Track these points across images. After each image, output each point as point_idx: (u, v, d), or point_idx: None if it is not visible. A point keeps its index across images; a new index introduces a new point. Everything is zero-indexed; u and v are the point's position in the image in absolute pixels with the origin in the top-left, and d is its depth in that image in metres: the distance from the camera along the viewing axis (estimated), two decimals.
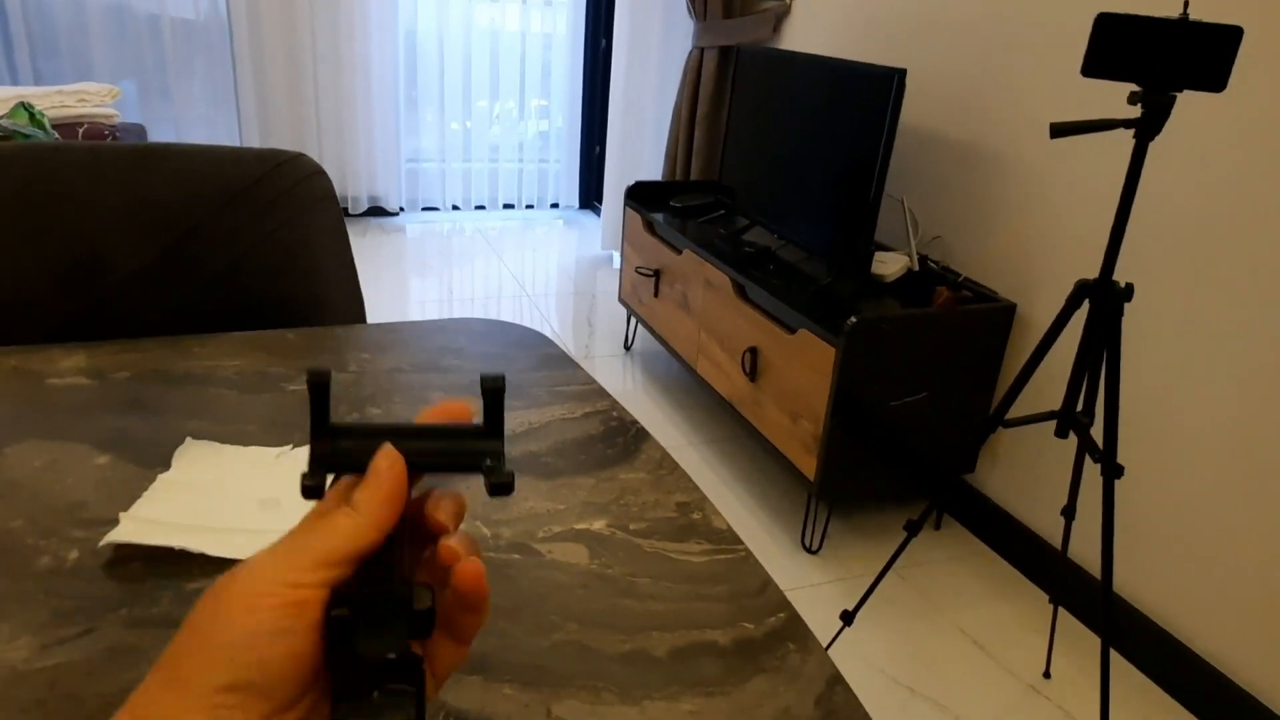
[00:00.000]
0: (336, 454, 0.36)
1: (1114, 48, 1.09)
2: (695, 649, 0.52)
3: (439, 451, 0.37)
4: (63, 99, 3.08)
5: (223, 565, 0.49)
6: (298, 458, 0.60)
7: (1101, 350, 1.22)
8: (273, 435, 0.71)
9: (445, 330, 0.95)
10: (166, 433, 0.71)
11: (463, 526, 0.62)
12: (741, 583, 0.59)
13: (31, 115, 2.00)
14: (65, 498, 0.62)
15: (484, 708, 0.47)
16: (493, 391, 0.37)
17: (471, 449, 0.37)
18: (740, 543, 0.63)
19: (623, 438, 0.76)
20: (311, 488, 0.35)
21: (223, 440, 0.69)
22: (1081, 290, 1.21)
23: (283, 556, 0.33)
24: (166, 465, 0.66)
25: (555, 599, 0.55)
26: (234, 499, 0.57)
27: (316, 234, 1.09)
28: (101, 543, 0.53)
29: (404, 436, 0.36)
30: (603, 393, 0.83)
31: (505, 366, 0.87)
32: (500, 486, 0.36)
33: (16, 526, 0.58)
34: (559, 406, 0.80)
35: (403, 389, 0.81)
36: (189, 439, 0.66)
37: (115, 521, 0.59)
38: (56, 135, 2.68)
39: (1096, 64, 1.10)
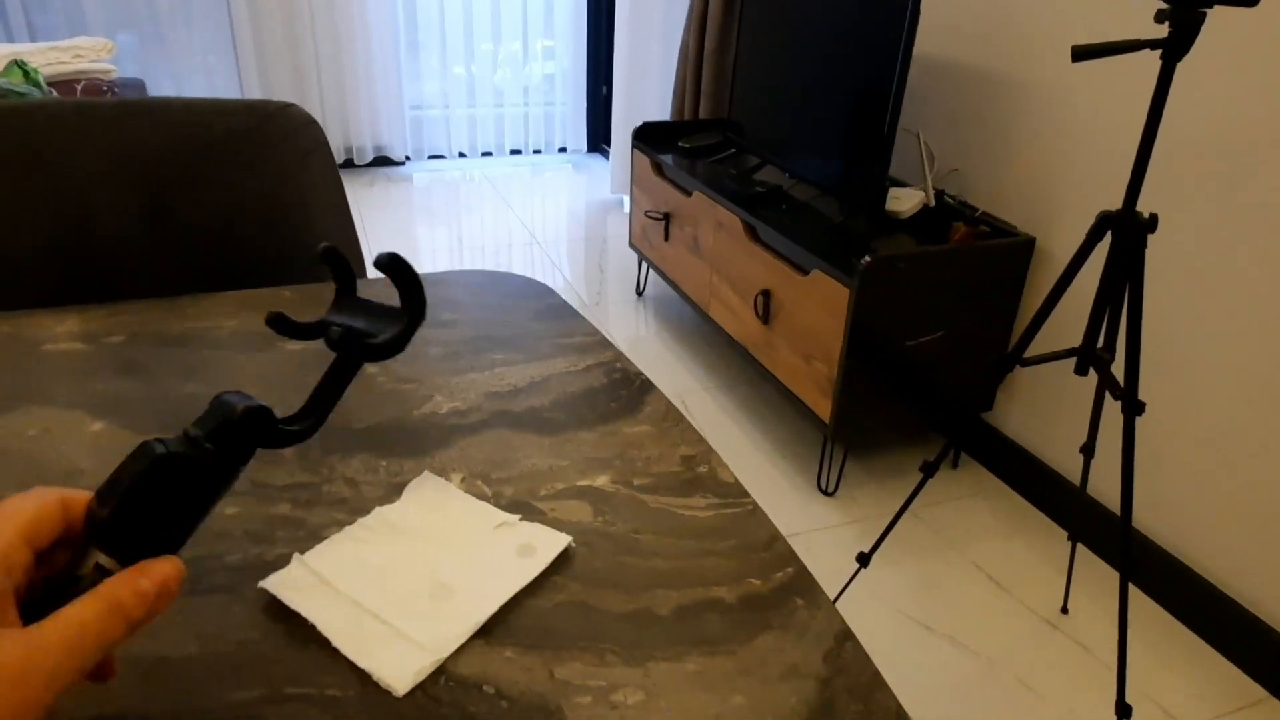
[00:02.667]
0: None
1: None
2: (700, 606, 0.51)
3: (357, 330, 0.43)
4: (58, 55, 3.03)
5: (334, 655, 0.47)
6: (514, 535, 0.55)
7: (1124, 284, 1.18)
8: (272, 395, 0.69)
9: (443, 283, 0.93)
10: (161, 397, 0.69)
11: (466, 487, 0.61)
12: (749, 537, 0.57)
13: (26, 73, 1.96)
14: (60, 466, 0.61)
15: (485, 671, 0.46)
16: (393, 267, 0.42)
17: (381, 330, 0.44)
18: (747, 495, 0.61)
19: (626, 390, 0.74)
20: (283, 322, 0.44)
21: None
22: (1104, 222, 1.16)
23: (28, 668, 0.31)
24: (165, 430, 0.65)
25: (559, 559, 0.54)
26: (415, 570, 0.52)
27: (309, 186, 1.07)
28: (260, 584, 0.50)
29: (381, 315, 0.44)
30: (606, 344, 0.81)
31: (507, 318, 0.85)
32: (333, 339, 0.43)
33: (8, 495, 0.57)
34: (561, 359, 0.78)
35: None
36: (427, 472, 0.61)
37: None
38: (53, 93, 2.64)
39: None
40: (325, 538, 0.55)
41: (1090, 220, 1.19)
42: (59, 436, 0.64)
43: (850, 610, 1.63)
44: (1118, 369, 1.22)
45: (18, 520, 0.33)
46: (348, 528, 0.55)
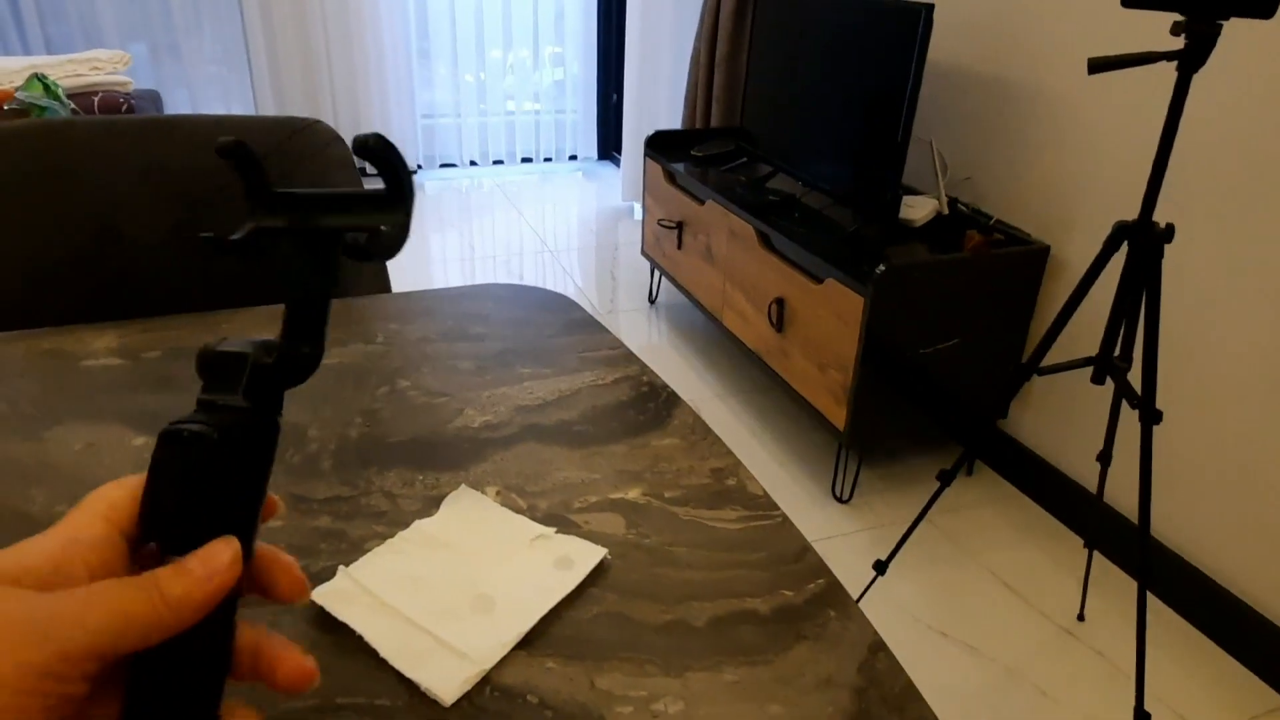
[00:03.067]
0: (259, 230, 0.36)
1: None
2: (735, 618, 0.52)
3: (343, 220, 0.36)
4: (75, 67, 3.06)
5: (382, 665, 0.48)
6: (551, 548, 0.57)
7: (1140, 293, 1.18)
8: (305, 412, 0.71)
9: (469, 297, 0.95)
10: None
11: (501, 500, 0.62)
12: (780, 549, 0.58)
13: (46, 86, 1.99)
14: (106, 480, 0.62)
15: (528, 681, 0.47)
16: (374, 150, 0.34)
17: (374, 215, 0.36)
18: (776, 508, 0.62)
19: (654, 403, 0.75)
20: (216, 239, 0.36)
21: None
22: (1120, 232, 1.17)
23: (48, 629, 0.27)
24: None
25: (595, 570, 0.55)
26: (457, 582, 0.53)
27: None
28: (310, 595, 0.50)
29: (316, 204, 0.36)
30: (632, 357, 0.83)
31: (533, 331, 0.87)
32: (358, 250, 0.35)
33: (61, 511, 0.59)
34: (589, 373, 0.79)
35: (431, 359, 0.80)
36: (464, 486, 0.63)
37: None
38: (72, 105, 2.68)
39: None
40: (367, 550, 0.56)
41: (1105, 228, 1.19)
42: (104, 451, 0.65)
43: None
44: (1134, 378, 1.23)
45: (96, 502, 0.33)
46: (389, 540, 0.57)
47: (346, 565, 0.54)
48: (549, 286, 3.10)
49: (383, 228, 0.35)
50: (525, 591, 0.53)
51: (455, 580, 0.54)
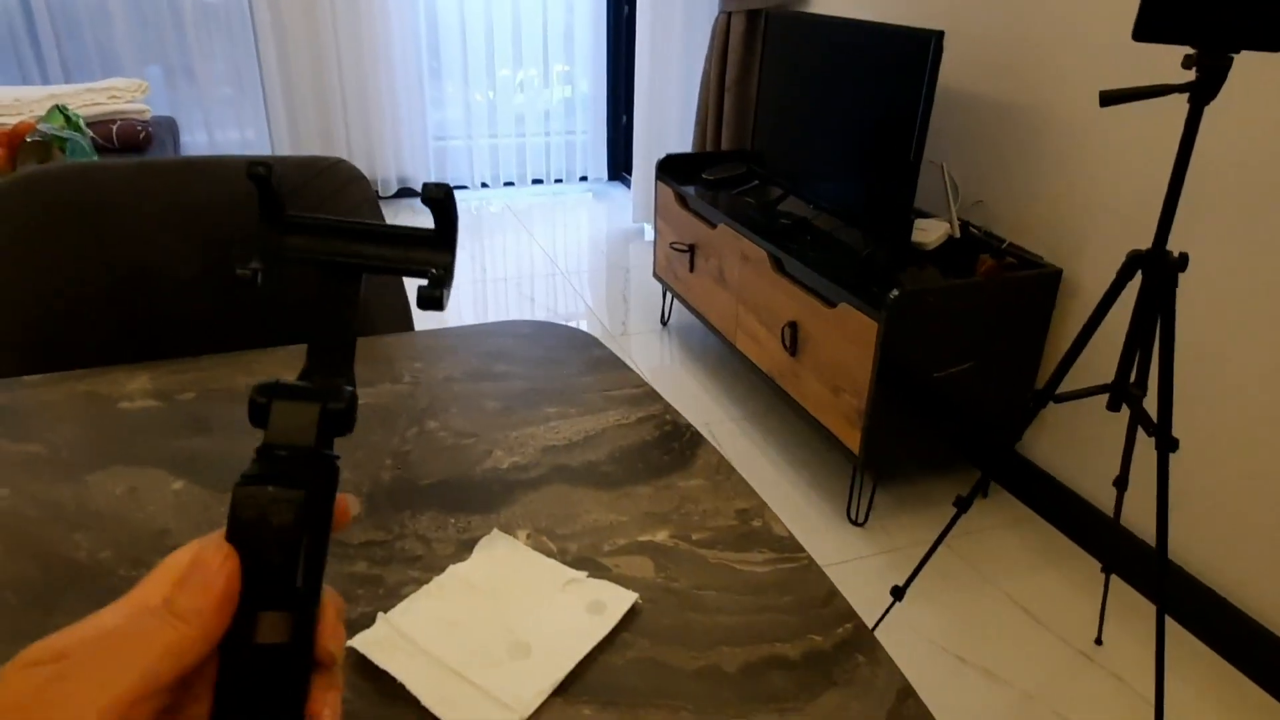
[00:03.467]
0: (284, 249, 0.35)
1: (1167, 9, 1.05)
2: (766, 663, 0.53)
3: (389, 257, 0.36)
4: (94, 96, 3.12)
5: (424, 714, 0.49)
6: (583, 592, 0.58)
7: (1155, 322, 1.19)
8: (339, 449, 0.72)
9: (492, 334, 0.96)
10: (235, 454, 0.73)
11: (532, 543, 0.63)
12: (807, 592, 0.59)
13: (68, 118, 2.03)
14: (148, 525, 0.64)
15: None
16: (438, 201, 0.35)
17: (422, 258, 0.36)
18: (802, 550, 0.63)
19: (678, 443, 0.76)
20: (245, 278, 0.35)
21: None
22: (1134, 261, 1.18)
23: (97, 680, 0.28)
24: None
25: (626, 615, 0.56)
26: (493, 628, 0.54)
27: None
28: (349, 643, 0.51)
29: (354, 237, 0.36)
30: (655, 395, 0.84)
31: (557, 370, 0.88)
32: (429, 300, 0.35)
33: (106, 557, 0.60)
34: (613, 412, 0.81)
35: (459, 399, 0.82)
36: (496, 530, 0.64)
37: None
38: (92, 134, 2.72)
39: (1149, 27, 1.06)
40: (404, 595, 0.57)
41: (1117, 250, 1.20)
42: (144, 496, 0.67)
43: (884, 643, 1.63)
44: (1150, 405, 1.24)
45: (171, 569, 0.31)
46: (425, 586, 0.58)
47: (385, 611, 0.55)
48: (560, 309, 3.12)
49: (433, 269, 0.36)
50: (560, 637, 0.54)
51: (492, 626, 0.55)
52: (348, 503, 0.34)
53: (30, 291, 0.99)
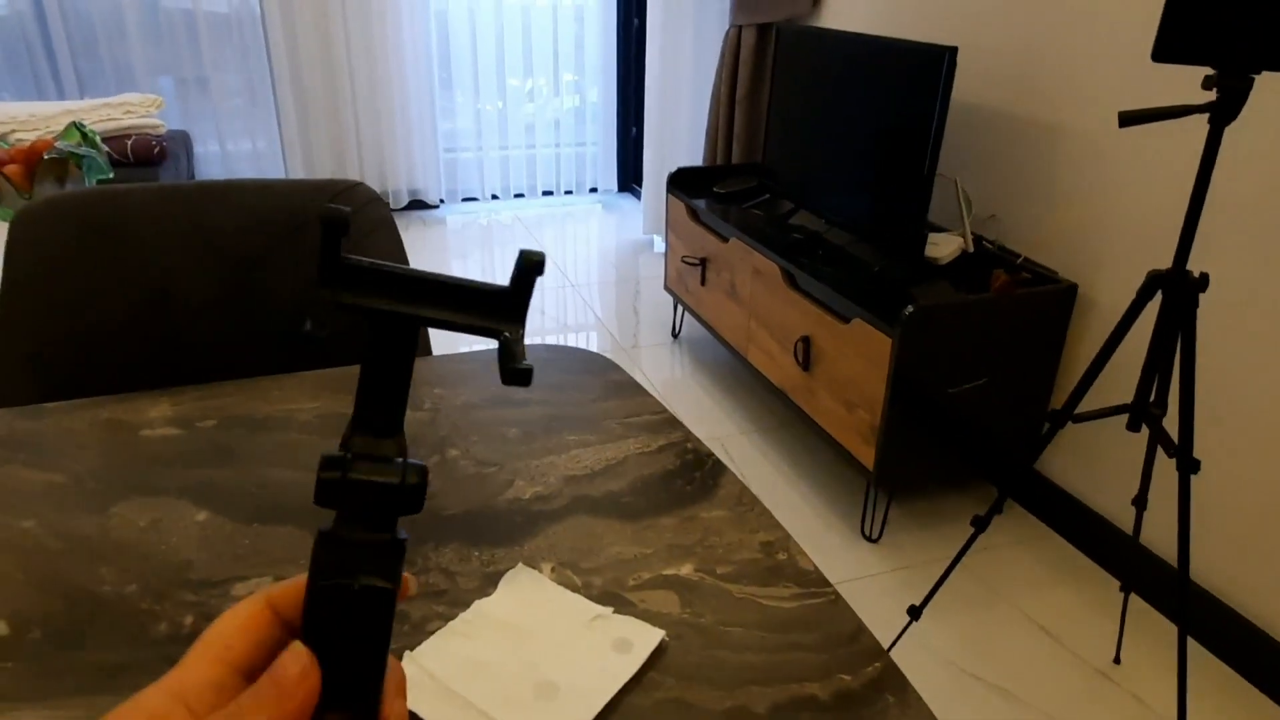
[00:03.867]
0: (344, 301, 0.32)
1: (1187, 29, 1.05)
2: (795, 704, 0.53)
3: (457, 316, 0.33)
4: (109, 112, 3.14)
5: None
6: (609, 629, 0.57)
7: (1175, 341, 1.18)
8: None
9: None
10: (256, 483, 0.73)
11: (556, 577, 0.63)
12: (834, 629, 0.59)
13: (84, 135, 2.05)
14: (172, 558, 0.64)
15: None
16: (528, 268, 0.32)
17: (493, 319, 0.33)
18: (828, 585, 0.63)
19: (699, 472, 0.76)
20: (312, 336, 0.33)
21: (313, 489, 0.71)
22: (1154, 281, 1.17)
23: None
24: (263, 519, 0.68)
25: (653, 653, 0.56)
26: (520, 667, 0.54)
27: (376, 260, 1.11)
28: None
29: (423, 288, 0.32)
30: (675, 422, 0.84)
31: (576, 396, 0.88)
32: (517, 374, 0.31)
33: (131, 592, 0.60)
34: (633, 440, 0.80)
35: (479, 427, 0.82)
36: (520, 564, 0.63)
37: (224, 583, 0.61)
38: (107, 149, 2.74)
39: (1169, 48, 1.06)
40: (430, 631, 0.57)
41: (1134, 265, 1.20)
42: (167, 527, 0.67)
43: (899, 661, 1.62)
44: (1170, 425, 1.23)
45: (213, 641, 0.30)
46: (451, 623, 0.58)
47: (411, 649, 0.55)
48: (570, 321, 3.12)
49: (505, 333, 0.32)
50: (587, 676, 0.54)
51: (518, 665, 0.55)
52: (409, 583, 0.33)
53: (53, 314, 0.99)
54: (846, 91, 2.12)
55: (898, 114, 1.92)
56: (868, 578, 1.85)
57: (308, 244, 1.08)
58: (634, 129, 4.47)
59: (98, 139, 2.11)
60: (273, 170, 4.03)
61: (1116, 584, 1.83)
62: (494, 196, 4.42)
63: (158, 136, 3.14)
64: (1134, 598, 1.80)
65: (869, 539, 1.96)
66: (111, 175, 2.15)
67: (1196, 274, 1.15)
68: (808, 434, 2.37)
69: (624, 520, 0.69)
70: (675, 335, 2.99)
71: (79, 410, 0.83)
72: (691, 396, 2.58)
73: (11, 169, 1.82)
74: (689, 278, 2.70)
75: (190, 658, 0.31)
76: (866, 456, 1.88)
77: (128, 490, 0.71)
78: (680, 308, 2.94)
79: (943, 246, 2.01)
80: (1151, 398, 1.24)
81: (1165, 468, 1.69)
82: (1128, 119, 1.10)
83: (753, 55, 2.87)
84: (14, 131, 2.94)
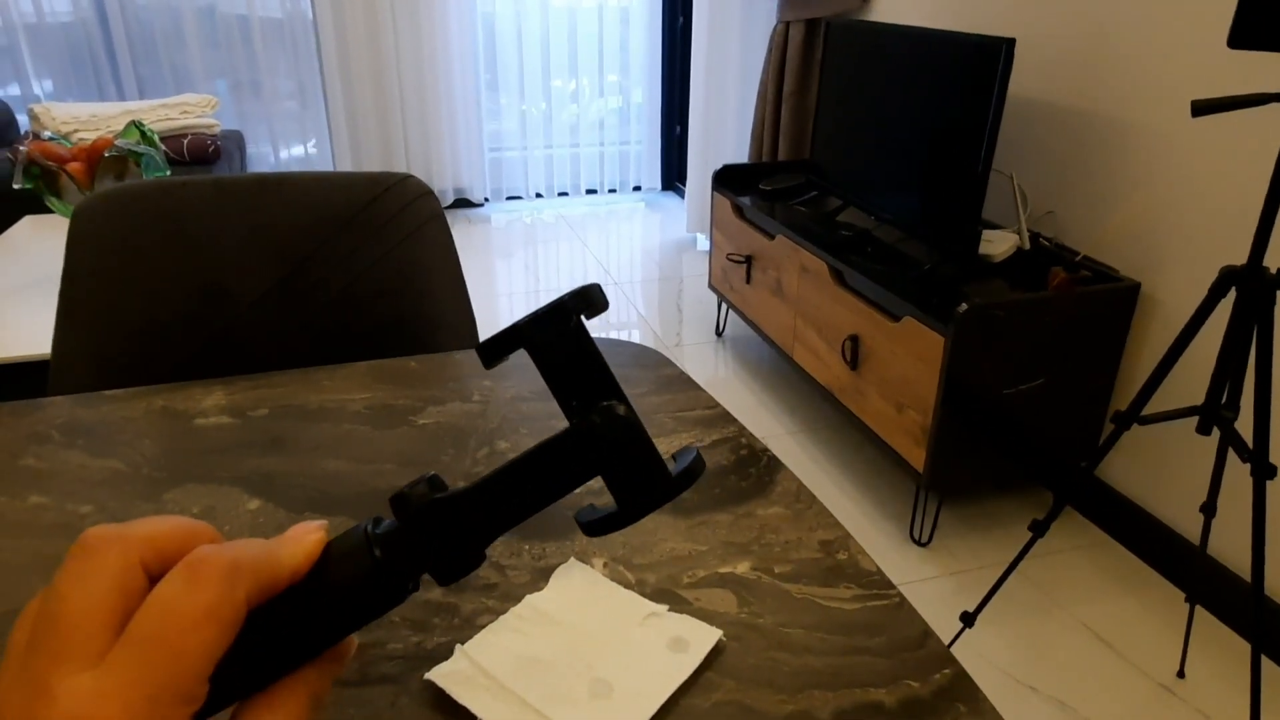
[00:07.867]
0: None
1: (1266, 13, 1.00)
2: (861, 710, 0.51)
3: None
4: (167, 112, 3.22)
5: None
6: (664, 628, 0.55)
7: (1249, 341, 1.13)
8: (408, 473, 0.72)
9: None
10: (308, 473, 0.72)
11: (609, 572, 0.61)
12: (900, 633, 0.56)
13: (143, 133, 2.09)
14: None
15: None
16: (688, 476, 0.33)
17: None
18: (892, 586, 0.60)
19: (755, 468, 0.74)
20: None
21: (364, 479, 0.70)
22: (1228, 278, 1.12)
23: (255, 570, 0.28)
24: (314, 509, 0.68)
25: (710, 653, 0.54)
26: (573, 664, 0.53)
27: (427, 254, 1.11)
28: (427, 675, 0.51)
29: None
30: (728, 417, 0.82)
31: (627, 389, 0.86)
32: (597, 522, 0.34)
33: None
34: (686, 434, 0.78)
35: (528, 419, 0.81)
36: (573, 559, 0.62)
37: None
38: (164, 148, 2.81)
39: (1246, 34, 1.01)
40: (480, 625, 0.56)
41: (1200, 263, 1.15)
42: (221, 515, 0.67)
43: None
44: (1242, 428, 1.17)
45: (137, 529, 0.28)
46: (502, 617, 0.57)
47: (462, 643, 0.54)
48: (614, 319, 3.11)
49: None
50: (641, 676, 0.52)
51: (571, 662, 0.53)
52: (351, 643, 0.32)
53: (111, 304, 1.01)
54: (898, 86, 2.08)
55: (952, 109, 1.87)
56: (918, 582, 1.80)
57: (359, 237, 1.08)
58: (678, 128, 4.45)
59: (156, 138, 2.16)
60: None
61: (1180, 595, 1.76)
62: (538, 195, 4.44)
63: (212, 136, 3.21)
64: (1199, 610, 1.72)
65: (918, 543, 1.91)
66: (168, 173, 2.19)
67: (1274, 270, 1.10)
68: (854, 435, 2.32)
69: (678, 516, 0.67)
70: (719, 334, 2.96)
71: (136, 399, 0.84)
72: (736, 396, 2.55)
73: (74, 166, 1.87)
74: (733, 275, 2.67)
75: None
76: (917, 459, 1.83)
77: (182, 478, 0.71)
78: (724, 306, 2.92)
79: (997, 244, 1.95)
80: (1223, 399, 1.18)
81: (1236, 474, 1.62)
82: (1201, 108, 1.05)
83: (800, 51, 2.83)
84: (77, 131, 3.02)
